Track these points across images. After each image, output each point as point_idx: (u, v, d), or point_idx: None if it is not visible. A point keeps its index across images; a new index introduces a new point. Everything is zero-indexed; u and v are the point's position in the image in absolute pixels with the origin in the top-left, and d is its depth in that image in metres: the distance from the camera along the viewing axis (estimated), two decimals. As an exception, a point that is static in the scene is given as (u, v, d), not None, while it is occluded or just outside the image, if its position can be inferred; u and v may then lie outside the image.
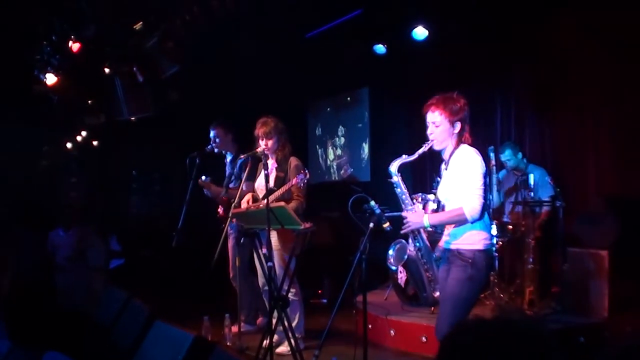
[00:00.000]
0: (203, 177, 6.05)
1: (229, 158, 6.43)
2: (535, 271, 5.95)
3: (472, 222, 3.58)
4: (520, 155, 6.60)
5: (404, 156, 3.89)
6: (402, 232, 3.89)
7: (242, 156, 5.63)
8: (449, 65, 7.92)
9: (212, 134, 6.26)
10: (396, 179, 3.91)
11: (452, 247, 3.70)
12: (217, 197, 6.18)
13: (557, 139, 7.11)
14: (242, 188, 5.54)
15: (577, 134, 6.86)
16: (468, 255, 3.60)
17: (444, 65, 8.01)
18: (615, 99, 6.39)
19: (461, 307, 3.62)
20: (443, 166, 3.88)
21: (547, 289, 6.35)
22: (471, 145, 3.73)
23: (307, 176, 5.07)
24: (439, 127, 3.72)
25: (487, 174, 3.67)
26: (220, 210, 6.24)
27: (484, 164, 3.63)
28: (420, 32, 7.51)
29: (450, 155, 3.75)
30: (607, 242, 5.70)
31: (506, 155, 6.54)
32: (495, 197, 6.57)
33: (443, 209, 3.92)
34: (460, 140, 3.74)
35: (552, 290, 6.43)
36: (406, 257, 4.46)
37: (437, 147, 3.79)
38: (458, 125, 3.71)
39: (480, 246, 3.62)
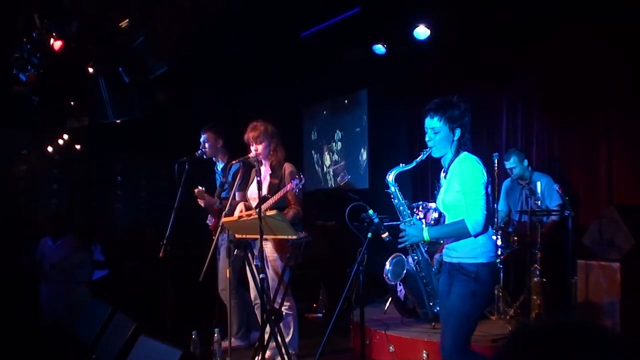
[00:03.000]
0: (200, 187, 6.06)
1: (220, 166, 6.40)
2: (542, 284, 5.93)
3: (475, 236, 3.54)
4: (526, 162, 6.60)
5: (401, 165, 3.86)
6: (399, 246, 3.86)
7: (233, 162, 5.61)
8: (452, 66, 7.92)
9: (202, 138, 6.24)
10: (393, 189, 3.88)
11: (454, 260, 3.67)
12: (210, 208, 6.17)
13: (567, 146, 7.10)
14: (233, 196, 5.51)
15: (588, 140, 6.85)
16: (471, 269, 3.57)
17: (447, 66, 8.02)
18: (629, 104, 6.38)
19: (465, 323, 3.59)
20: (442, 174, 3.85)
21: (555, 304, 6.33)
22: (472, 152, 3.70)
23: (303, 181, 5.05)
24: (438, 133, 3.68)
25: (490, 183, 3.63)
26: (209, 220, 6.22)
27: (485, 173, 3.59)
28: (421, 32, 7.51)
29: (450, 163, 3.72)
30: (619, 254, 5.68)
31: (511, 163, 6.53)
32: (501, 207, 6.57)
33: (445, 218, 3.90)
34: (460, 147, 3.71)
35: (561, 305, 6.42)
36: (404, 272, 4.45)
37: (436, 155, 3.76)
38: (458, 132, 3.67)
39: (483, 259, 3.58)
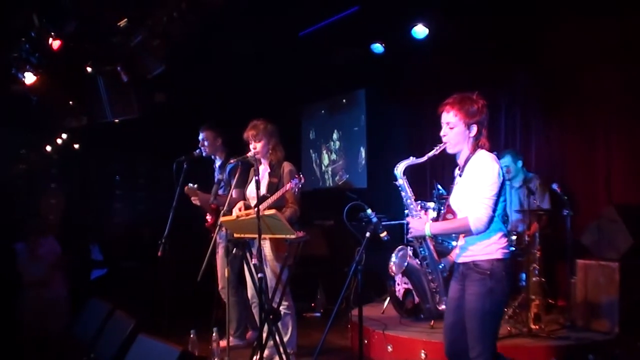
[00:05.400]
0: (189, 185, 5.98)
1: (217, 163, 6.39)
2: (541, 284, 5.93)
3: (476, 234, 3.49)
4: (520, 163, 6.58)
5: (411, 158, 3.78)
6: (408, 237, 3.83)
7: (232, 161, 5.58)
8: (450, 65, 7.91)
9: (200, 136, 6.23)
10: (401, 182, 3.82)
11: (467, 259, 3.59)
12: (205, 205, 6.14)
13: (566, 146, 7.10)
14: (231, 195, 5.50)
15: (587, 140, 6.85)
16: (485, 266, 3.49)
17: (445, 65, 8.01)
18: (628, 103, 6.38)
19: (489, 321, 3.49)
20: (457, 171, 3.77)
21: (554, 303, 6.33)
22: (489, 150, 3.64)
23: (302, 181, 5.03)
24: (453, 129, 3.60)
25: (503, 183, 3.55)
26: (208, 218, 6.21)
27: (500, 173, 3.51)
28: (420, 31, 7.53)
29: (466, 161, 3.65)
30: (618, 254, 5.68)
31: (505, 162, 6.47)
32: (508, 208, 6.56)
33: (443, 217, 3.85)
34: (477, 145, 3.62)
35: (559, 304, 6.42)
36: (406, 264, 4.43)
37: (450, 151, 3.69)
38: (474, 129, 3.59)
39: (498, 255, 3.50)
